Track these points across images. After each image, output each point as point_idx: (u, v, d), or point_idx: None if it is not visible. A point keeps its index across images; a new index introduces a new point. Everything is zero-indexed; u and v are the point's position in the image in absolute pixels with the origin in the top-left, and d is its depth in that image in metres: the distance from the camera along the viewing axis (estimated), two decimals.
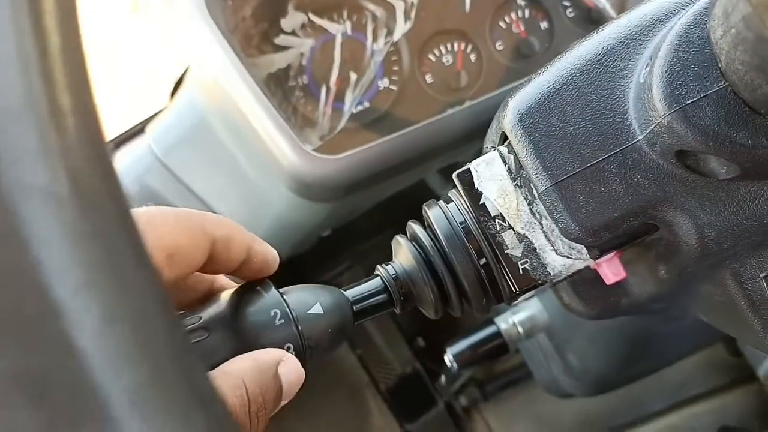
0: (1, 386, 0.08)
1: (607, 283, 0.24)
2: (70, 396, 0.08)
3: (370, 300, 0.26)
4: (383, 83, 0.47)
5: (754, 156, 0.20)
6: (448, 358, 0.47)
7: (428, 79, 0.47)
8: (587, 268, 0.26)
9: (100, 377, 0.08)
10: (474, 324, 0.51)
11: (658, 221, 0.23)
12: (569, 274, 0.25)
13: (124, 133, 0.57)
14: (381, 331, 0.78)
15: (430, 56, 0.47)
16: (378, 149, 0.45)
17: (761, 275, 0.24)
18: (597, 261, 0.24)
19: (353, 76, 0.46)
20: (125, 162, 0.55)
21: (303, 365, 0.23)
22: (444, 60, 0.47)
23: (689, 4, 0.22)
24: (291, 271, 0.64)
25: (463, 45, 0.47)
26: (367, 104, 0.47)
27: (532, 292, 0.26)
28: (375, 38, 0.46)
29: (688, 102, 0.21)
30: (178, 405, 0.09)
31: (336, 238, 0.67)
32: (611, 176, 0.23)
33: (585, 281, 0.28)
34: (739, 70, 0.19)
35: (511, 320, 0.46)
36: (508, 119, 0.25)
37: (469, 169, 0.25)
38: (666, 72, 0.21)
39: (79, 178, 0.09)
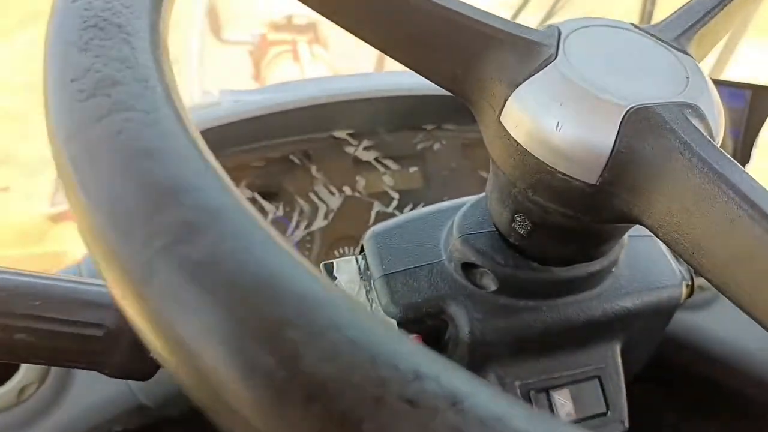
0: None
1: None
2: None
3: None
4: None
5: (504, 272, 0.32)
6: None
7: None
8: None
9: None
10: None
11: (446, 315, 0.33)
12: None
13: None
14: None
15: (336, 252, 0.60)
16: None
17: (516, 383, 0.34)
18: None
19: None
20: None
21: None
22: None
23: (478, 196, 0.36)
24: None
25: None
26: None
27: None
28: (297, 225, 0.59)
29: (470, 233, 0.33)
30: None
31: None
32: (421, 277, 0.34)
33: None
34: (496, 219, 0.32)
35: None
36: (367, 236, 0.36)
37: (332, 262, 0.36)
38: (461, 216, 0.34)
39: None
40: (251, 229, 0.13)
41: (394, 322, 0.33)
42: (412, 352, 0.11)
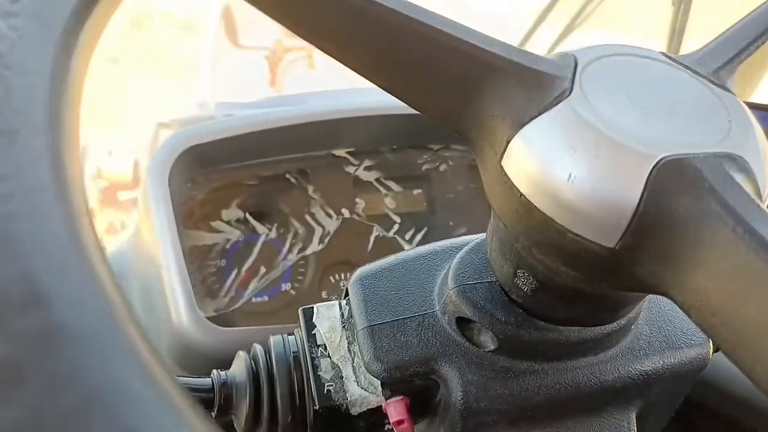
0: None
1: (392, 421, 0.29)
2: None
3: (191, 392, 0.30)
4: (286, 286, 0.55)
5: (505, 330, 0.28)
6: None
7: (324, 295, 0.55)
8: (388, 430, 0.31)
9: None
10: None
11: (436, 375, 0.29)
12: (362, 409, 0.29)
13: None
14: None
15: (331, 278, 0.56)
16: (263, 332, 0.50)
17: None
18: (387, 401, 0.29)
19: (262, 270, 0.54)
20: None
21: None
22: (341, 284, 0.56)
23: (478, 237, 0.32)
24: None
25: None
26: (266, 298, 0.54)
27: None
28: (291, 248, 0.56)
29: (467, 283, 0.29)
30: None
31: None
32: (410, 330, 0.29)
33: None
34: (496, 271, 0.28)
35: None
36: (352, 278, 0.32)
37: (313, 307, 0.32)
38: (458, 263, 0.30)
39: None
40: (110, 367, 0.09)
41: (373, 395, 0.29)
42: None
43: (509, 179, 0.22)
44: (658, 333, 0.31)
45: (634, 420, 0.32)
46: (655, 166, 0.19)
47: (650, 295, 0.31)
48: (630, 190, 0.19)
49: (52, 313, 0.09)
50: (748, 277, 0.17)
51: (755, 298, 0.16)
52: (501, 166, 0.22)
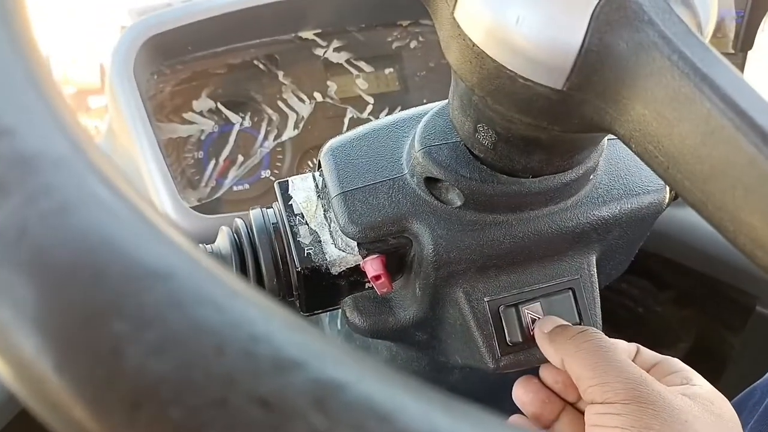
0: None
1: (369, 276, 0.31)
2: None
3: None
4: (266, 173, 0.56)
5: (470, 186, 0.29)
6: None
7: None
8: (369, 288, 0.33)
9: None
10: None
11: (409, 233, 0.31)
12: (342, 268, 0.32)
13: None
14: None
15: (309, 162, 0.57)
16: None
17: (485, 299, 0.32)
18: (364, 259, 0.31)
19: (240, 159, 0.55)
20: None
21: None
22: None
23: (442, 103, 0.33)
24: None
25: None
26: (247, 186, 0.55)
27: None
28: (266, 136, 0.56)
29: (433, 144, 0.30)
30: None
31: None
32: (382, 193, 0.31)
33: (365, 298, 0.34)
34: (459, 130, 0.29)
35: None
36: (323, 150, 0.33)
37: (287, 180, 0.33)
38: (423, 126, 0.31)
39: None
40: (78, 177, 0.10)
41: (356, 251, 0.31)
42: (276, 331, 0.09)
43: (462, 30, 0.22)
44: (617, 182, 0.33)
45: (594, 262, 0.34)
46: (598, 3, 0.20)
47: (609, 146, 0.33)
48: (574, 29, 0.20)
49: (18, 144, 0.10)
50: (680, 101, 0.18)
51: (685, 120, 0.18)
52: (454, 18, 0.22)
